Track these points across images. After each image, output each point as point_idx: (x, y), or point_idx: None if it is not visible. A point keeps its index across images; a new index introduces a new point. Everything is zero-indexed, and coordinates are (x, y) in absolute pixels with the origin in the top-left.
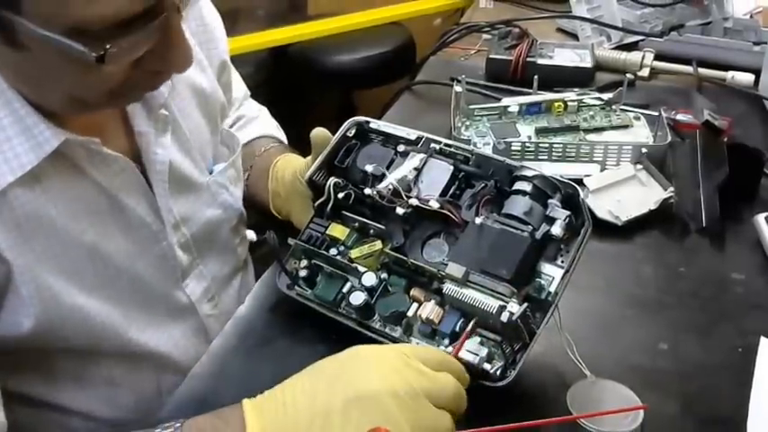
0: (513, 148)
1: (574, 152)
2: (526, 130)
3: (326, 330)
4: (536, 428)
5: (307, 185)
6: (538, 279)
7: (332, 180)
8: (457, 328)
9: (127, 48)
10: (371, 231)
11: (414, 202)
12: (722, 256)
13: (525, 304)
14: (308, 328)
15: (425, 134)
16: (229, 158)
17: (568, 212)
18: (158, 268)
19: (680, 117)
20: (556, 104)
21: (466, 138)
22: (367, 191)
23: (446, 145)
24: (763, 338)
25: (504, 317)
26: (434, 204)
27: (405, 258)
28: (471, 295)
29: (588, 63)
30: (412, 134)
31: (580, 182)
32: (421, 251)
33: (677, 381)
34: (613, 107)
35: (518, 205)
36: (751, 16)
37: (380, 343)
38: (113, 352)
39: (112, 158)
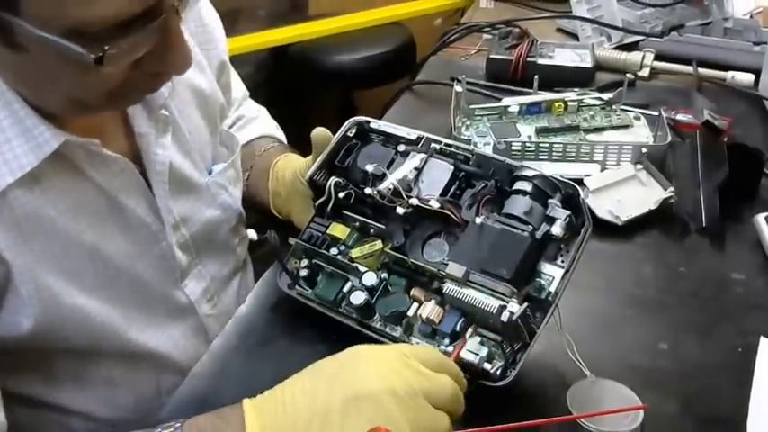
0: (513, 147)
1: (574, 152)
2: (526, 129)
3: (327, 330)
4: (536, 428)
5: (307, 185)
6: (538, 279)
7: (332, 180)
8: (457, 328)
9: (125, 49)
10: (372, 231)
11: (414, 201)
12: (722, 256)
13: (525, 304)
14: (308, 327)
15: (426, 134)
16: (228, 159)
17: (568, 212)
18: (158, 268)
19: (680, 117)
20: (556, 104)
21: (466, 138)
22: (367, 190)
23: (446, 145)
24: (762, 338)
25: (505, 316)
26: (435, 204)
27: (405, 258)
28: (471, 295)
29: (588, 63)
30: (412, 134)
31: (580, 182)
32: (421, 251)
33: (677, 380)
34: (613, 107)
35: (518, 205)
36: (751, 16)
37: (381, 342)
38: (113, 352)
39: (112, 159)
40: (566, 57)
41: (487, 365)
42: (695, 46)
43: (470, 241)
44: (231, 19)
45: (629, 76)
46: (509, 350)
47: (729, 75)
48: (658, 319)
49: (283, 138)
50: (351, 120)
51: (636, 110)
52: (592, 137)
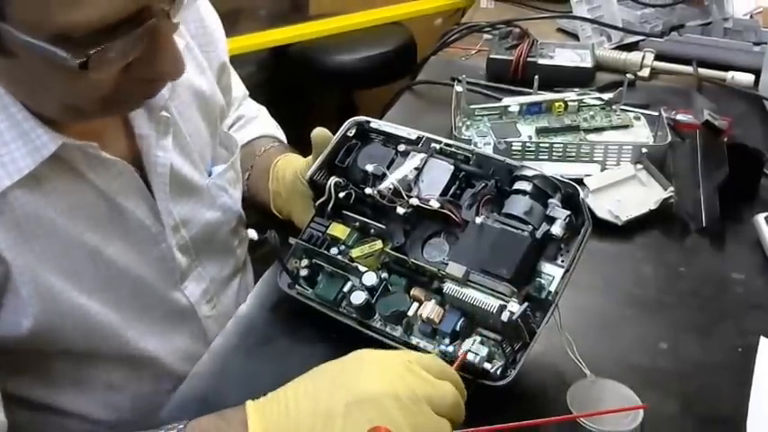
0: (513, 147)
1: (574, 152)
2: (527, 129)
3: (327, 329)
4: (536, 428)
5: (307, 185)
6: (538, 278)
7: (332, 180)
8: (457, 328)
9: (112, 54)
10: (372, 231)
11: (414, 201)
12: (722, 256)
13: (525, 304)
14: (308, 327)
15: (426, 134)
16: (228, 160)
17: (568, 212)
18: (158, 270)
19: (680, 117)
20: (556, 104)
21: (466, 137)
22: (368, 190)
23: (447, 145)
24: (762, 338)
25: (505, 316)
26: (435, 204)
27: (405, 258)
28: (472, 295)
29: (588, 63)
30: (412, 134)
31: (580, 182)
32: (421, 251)
33: (677, 380)
34: (614, 107)
35: (518, 205)
36: (751, 16)
37: (381, 342)
38: (112, 356)
39: (111, 162)
40: (566, 57)
41: (487, 365)
42: (695, 46)
43: (470, 241)
44: (232, 19)
45: (629, 76)
46: (509, 350)
47: (729, 75)
48: (658, 318)
49: (283, 137)
50: (351, 120)
51: (636, 110)
52: (592, 137)
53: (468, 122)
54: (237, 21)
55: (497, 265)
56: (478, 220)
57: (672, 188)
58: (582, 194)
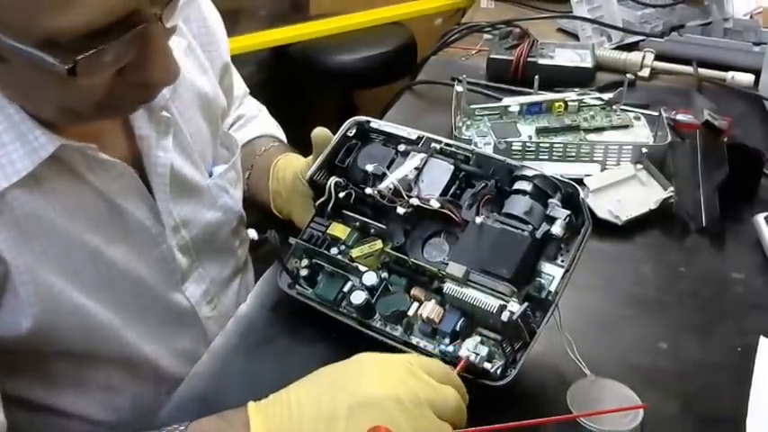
0: (513, 147)
1: (574, 152)
2: (527, 129)
3: (327, 329)
4: (536, 427)
5: (308, 185)
6: (538, 278)
7: (333, 179)
8: (457, 328)
9: (101, 60)
10: (372, 231)
11: (414, 201)
12: (722, 256)
13: (525, 303)
14: (308, 327)
15: (426, 134)
16: (229, 160)
17: (568, 212)
18: (158, 271)
19: (680, 117)
20: (556, 104)
21: (467, 137)
22: (368, 190)
23: (447, 144)
24: (762, 338)
25: (505, 316)
26: (435, 204)
27: (405, 258)
28: (472, 294)
29: (589, 63)
30: (413, 134)
31: (580, 181)
32: (421, 250)
33: (677, 380)
34: (614, 107)
35: (518, 205)
36: (751, 17)
37: (381, 342)
38: (111, 357)
39: (110, 164)
40: (566, 57)
41: (487, 365)
42: (695, 46)
43: (470, 241)
44: (232, 19)
45: (629, 76)
46: (509, 350)
47: (729, 75)
48: (658, 318)
49: (283, 137)
50: (351, 119)
51: (636, 110)
52: (592, 137)
53: (469, 122)
54: (238, 21)
55: (497, 264)
56: (478, 219)
57: (672, 188)
58: (582, 194)
